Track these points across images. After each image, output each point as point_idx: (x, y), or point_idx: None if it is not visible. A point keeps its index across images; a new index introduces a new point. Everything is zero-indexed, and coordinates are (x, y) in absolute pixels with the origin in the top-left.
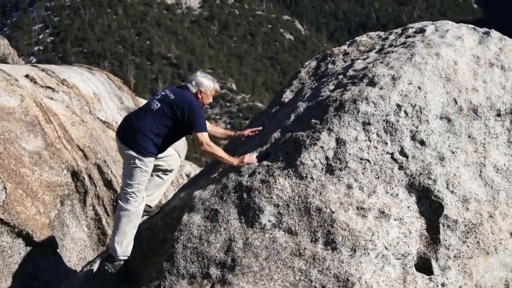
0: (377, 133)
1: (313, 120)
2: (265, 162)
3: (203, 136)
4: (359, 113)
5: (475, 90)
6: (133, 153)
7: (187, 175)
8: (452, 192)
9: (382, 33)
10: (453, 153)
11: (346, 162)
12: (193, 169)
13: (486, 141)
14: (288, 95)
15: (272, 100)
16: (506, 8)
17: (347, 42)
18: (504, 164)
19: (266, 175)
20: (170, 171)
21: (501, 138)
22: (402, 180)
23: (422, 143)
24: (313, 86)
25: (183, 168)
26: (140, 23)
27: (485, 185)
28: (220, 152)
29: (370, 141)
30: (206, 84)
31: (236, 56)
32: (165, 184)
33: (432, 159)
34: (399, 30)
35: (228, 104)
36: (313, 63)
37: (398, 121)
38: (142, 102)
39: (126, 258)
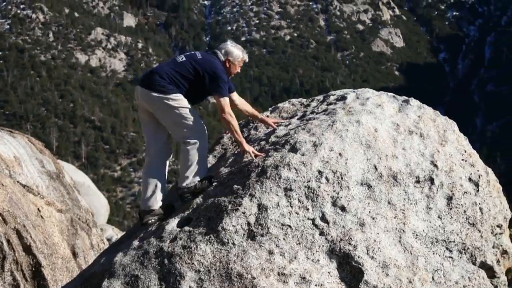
0: (298, 199)
1: (235, 186)
2: (186, 228)
3: (225, 101)
4: (281, 179)
5: (395, 157)
6: (155, 94)
7: (109, 240)
8: (372, 258)
9: (304, 100)
10: (373, 219)
11: (268, 228)
12: (115, 233)
13: (406, 207)
14: (210, 161)
15: None
16: (426, 75)
17: (270, 109)
18: (423, 230)
19: (188, 241)
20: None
21: (420, 205)
22: (323, 246)
23: (343, 209)
24: (236, 152)
25: (104, 232)
26: (63, 86)
27: (405, 251)
28: (237, 126)
29: (291, 207)
30: (236, 53)
31: None
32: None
33: (352, 225)
34: (320, 97)
35: None
36: None
37: (319, 187)
38: (64, 165)
39: (197, 181)
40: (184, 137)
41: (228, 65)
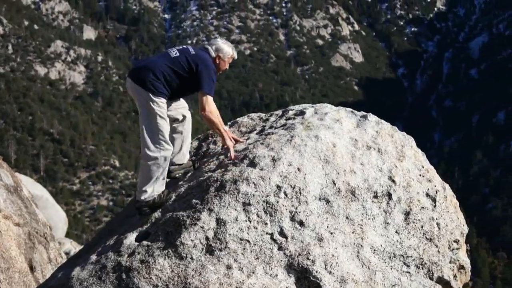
0: (257, 214)
1: (193, 200)
2: (145, 242)
3: (208, 100)
4: (239, 194)
5: (353, 172)
6: (144, 91)
7: (67, 253)
8: (330, 272)
9: (263, 115)
10: (331, 234)
11: (226, 243)
12: (73, 247)
13: (364, 222)
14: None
15: None
16: (385, 90)
17: (229, 123)
18: (381, 245)
19: (146, 255)
20: (184, 118)
21: (378, 220)
22: (281, 260)
23: (301, 223)
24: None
25: (62, 245)
26: (22, 98)
27: (362, 265)
28: (220, 124)
29: (250, 221)
30: (226, 50)
31: (120, 133)
32: (187, 136)
33: (311, 240)
34: (279, 112)
35: (110, 181)
36: (195, 143)
37: (278, 202)
38: (22, 178)
39: (156, 194)
40: (148, 148)
41: (218, 61)
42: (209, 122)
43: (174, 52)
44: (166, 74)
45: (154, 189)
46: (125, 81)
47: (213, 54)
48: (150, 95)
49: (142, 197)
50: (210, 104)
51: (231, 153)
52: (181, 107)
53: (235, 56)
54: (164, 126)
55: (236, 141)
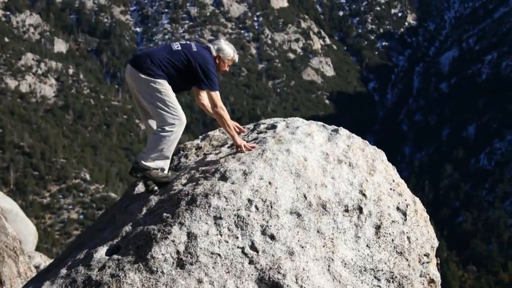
0: (228, 228)
1: (164, 214)
2: (115, 256)
3: (217, 95)
4: (210, 207)
5: (324, 186)
6: (143, 75)
7: (36, 267)
8: (301, 286)
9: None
10: (302, 247)
11: (197, 256)
12: (43, 261)
13: (335, 236)
14: (140, 188)
15: (124, 192)
16: (356, 104)
17: (200, 137)
18: (352, 259)
19: (116, 269)
20: None
21: (349, 233)
22: (252, 274)
23: (272, 237)
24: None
25: (32, 259)
26: None
27: (333, 279)
28: (229, 120)
29: (221, 235)
30: (227, 51)
31: (91, 146)
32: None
33: (282, 254)
34: (251, 126)
35: (81, 194)
36: None
37: (249, 215)
38: None
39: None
40: (162, 122)
41: (218, 62)
42: (220, 118)
43: (176, 46)
44: (164, 65)
45: (160, 162)
46: (98, 93)
47: (214, 54)
48: (149, 78)
49: (145, 162)
50: (220, 100)
51: (244, 149)
52: None
53: (236, 59)
54: (173, 101)
55: (240, 130)
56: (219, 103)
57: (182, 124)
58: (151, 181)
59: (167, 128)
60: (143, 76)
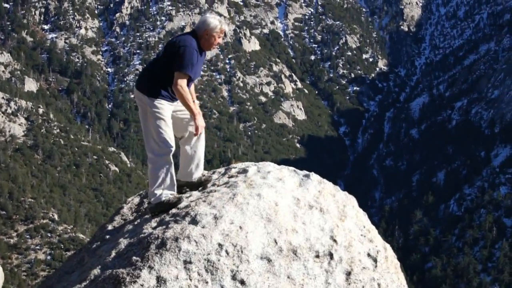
0: (198, 272)
1: (134, 257)
2: None
3: (179, 76)
4: (180, 251)
5: (295, 231)
6: (144, 96)
7: None
8: None
9: (205, 172)
10: None
11: None
12: None
13: (305, 282)
14: (109, 231)
15: (93, 235)
16: (327, 148)
17: None
18: None
19: None
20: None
21: (319, 279)
22: None
23: (243, 282)
24: (136, 223)
25: None
26: None
27: None
28: (190, 100)
29: (191, 279)
30: (213, 24)
31: (60, 186)
32: (197, 154)
33: None
34: (222, 170)
35: (49, 235)
36: (136, 199)
37: (219, 260)
38: None
39: (165, 198)
40: (150, 150)
41: (207, 37)
42: (180, 96)
43: (161, 51)
44: (158, 72)
45: (163, 191)
46: (68, 133)
47: (201, 32)
48: (148, 98)
49: (152, 199)
50: (183, 81)
51: (201, 129)
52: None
53: (225, 29)
54: (163, 127)
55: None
56: (180, 82)
57: (169, 151)
58: (169, 209)
59: (153, 156)
60: (144, 96)
